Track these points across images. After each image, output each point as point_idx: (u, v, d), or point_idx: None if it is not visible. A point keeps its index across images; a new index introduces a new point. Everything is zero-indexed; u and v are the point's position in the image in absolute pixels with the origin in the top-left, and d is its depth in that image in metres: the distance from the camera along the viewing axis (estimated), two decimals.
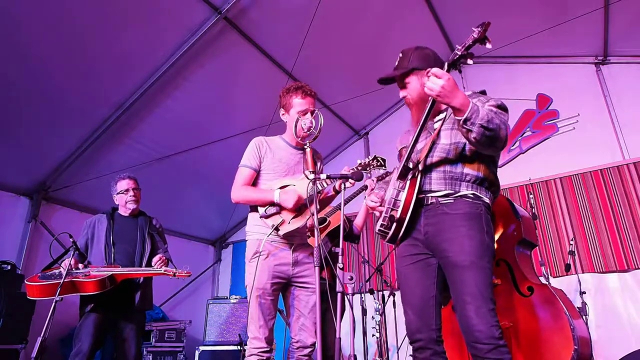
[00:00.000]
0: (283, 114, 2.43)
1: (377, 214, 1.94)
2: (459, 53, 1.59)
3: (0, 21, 3.21)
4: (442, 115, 1.90)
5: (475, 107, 1.57)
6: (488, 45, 1.56)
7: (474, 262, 1.62)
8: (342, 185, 2.12)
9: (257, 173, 2.36)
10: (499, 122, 1.60)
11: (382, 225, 1.83)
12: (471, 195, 1.75)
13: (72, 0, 3.32)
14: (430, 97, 1.64)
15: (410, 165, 1.78)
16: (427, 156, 1.83)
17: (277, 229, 2.23)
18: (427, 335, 1.71)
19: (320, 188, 2.26)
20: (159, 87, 4.22)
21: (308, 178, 1.99)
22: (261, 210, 2.28)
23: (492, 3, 4.45)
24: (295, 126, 2.32)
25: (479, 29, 1.56)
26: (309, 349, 2.23)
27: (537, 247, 3.02)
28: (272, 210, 2.25)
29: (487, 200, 1.79)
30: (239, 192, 2.31)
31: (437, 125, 1.89)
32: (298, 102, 2.32)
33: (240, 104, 4.88)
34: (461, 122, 1.57)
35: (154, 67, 4.06)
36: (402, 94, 1.93)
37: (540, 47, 4.83)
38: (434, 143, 1.84)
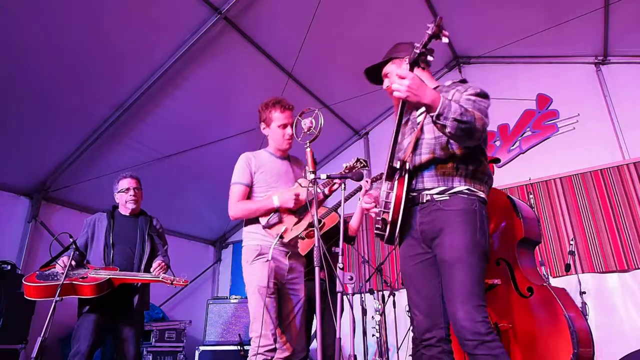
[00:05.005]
0: (264, 128, 2.57)
1: (373, 215, 1.94)
2: (418, 51, 1.57)
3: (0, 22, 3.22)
4: (423, 109, 1.88)
5: (447, 102, 1.56)
6: (444, 40, 1.54)
7: (460, 258, 1.62)
8: (342, 186, 2.19)
9: (250, 188, 2.45)
10: (474, 113, 1.59)
11: (377, 227, 1.83)
12: (466, 191, 1.73)
13: (72, 0, 3.33)
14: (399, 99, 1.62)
15: (398, 165, 1.76)
16: (413, 154, 1.82)
17: (281, 236, 2.31)
18: (436, 334, 1.72)
19: (319, 191, 2.39)
20: (159, 87, 4.22)
21: (306, 180, 2.19)
22: (263, 221, 2.36)
23: (491, 3, 4.45)
24: (280, 137, 2.47)
25: (433, 25, 1.55)
26: (288, 354, 2.31)
27: (538, 247, 2.97)
28: (274, 219, 2.33)
29: (482, 195, 1.77)
30: (237, 207, 2.40)
31: (419, 119, 1.88)
32: (278, 116, 2.46)
33: (240, 103, 4.88)
34: (434, 118, 1.57)
35: (153, 67, 4.06)
36: (384, 84, 1.99)
37: (540, 47, 4.83)
38: (418, 139, 1.83)
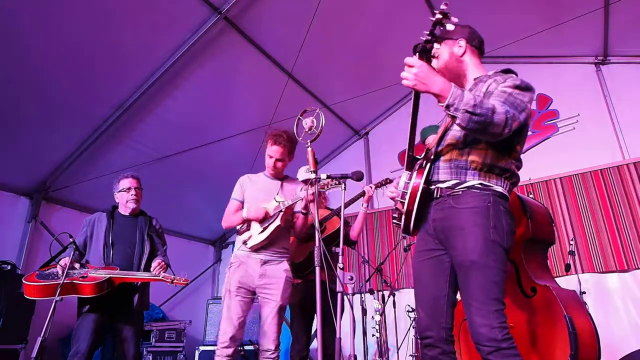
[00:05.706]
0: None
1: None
2: (423, 39, 1.56)
3: None
4: None
5: (458, 92, 1.49)
6: (448, 26, 1.54)
7: (476, 262, 1.56)
8: (343, 186, 2.25)
9: (243, 203, 2.82)
10: (494, 107, 1.50)
11: (394, 217, 1.82)
12: (479, 186, 1.64)
13: (73, 0, 3.33)
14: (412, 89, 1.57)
15: (419, 156, 1.74)
16: (438, 144, 1.77)
17: (245, 242, 2.65)
18: (436, 334, 1.66)
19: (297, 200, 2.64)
20: (159, 87, 4.22)
21: (277, 201, 2.67)
22: (238, 228, 2.74)
23: (492, 3, 4.45)
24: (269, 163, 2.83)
25: (438, 12, 1.55)
26: (269, 352, 2.55)
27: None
28: (244, 227, 2.71)
29: (499, 189, 1.65)
30: (226, 219, 2.81)
31: None
32: (269, 148, 2.82)
33: (240, 104, 4.88)
34: (444, 108, 1.52)
35: (154, 67, 4.06)
36: (433, 64, 1.86)
37: (540, 47, 4.83)
38: (446, 130, 1.78)
